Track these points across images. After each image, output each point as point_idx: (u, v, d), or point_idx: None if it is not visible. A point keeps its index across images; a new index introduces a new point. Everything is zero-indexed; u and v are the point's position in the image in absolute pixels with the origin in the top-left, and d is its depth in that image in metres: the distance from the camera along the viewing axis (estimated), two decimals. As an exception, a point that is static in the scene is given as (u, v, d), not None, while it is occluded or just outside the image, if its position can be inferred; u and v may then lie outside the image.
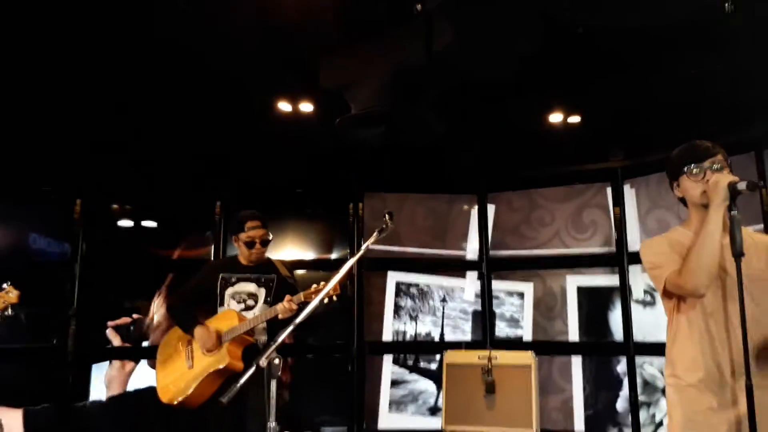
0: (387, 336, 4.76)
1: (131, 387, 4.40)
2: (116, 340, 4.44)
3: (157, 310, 4.54)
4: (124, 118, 4.08)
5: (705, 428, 2.05)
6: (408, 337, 4.77)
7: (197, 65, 3.42)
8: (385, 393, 4.66)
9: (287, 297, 3.19)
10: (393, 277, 4.82)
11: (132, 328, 4.49)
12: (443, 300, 4.83)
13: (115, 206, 4.88)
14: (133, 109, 3.97)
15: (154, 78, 3.58)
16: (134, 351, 4.51)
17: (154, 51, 3.28)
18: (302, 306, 3.10)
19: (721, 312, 2.08)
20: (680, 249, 2.15)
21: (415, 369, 4.72)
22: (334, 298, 2.97)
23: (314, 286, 3.17)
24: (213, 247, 4.70)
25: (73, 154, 4.44)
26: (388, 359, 4.72)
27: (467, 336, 4.75)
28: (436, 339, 4.75)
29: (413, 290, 4.83)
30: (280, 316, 3.18)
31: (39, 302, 4.21)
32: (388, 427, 4.61)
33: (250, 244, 3.46)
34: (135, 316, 4.52)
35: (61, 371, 4.28)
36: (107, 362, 4.47)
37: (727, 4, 2.34)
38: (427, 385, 4.67)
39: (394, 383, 4.69)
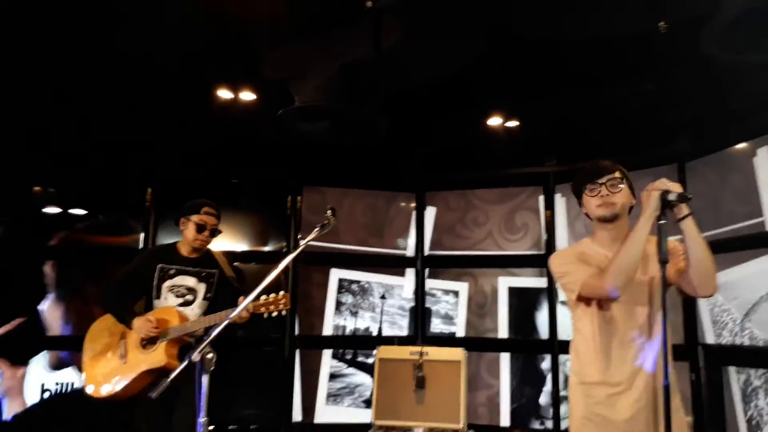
0: (327, 331, 4.77)
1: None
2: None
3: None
4: (53, 103, 3.88)
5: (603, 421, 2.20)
6: (348, 331, 4.81)
7: (133, 47, 3.28)
8: (323, 386, 4.69)
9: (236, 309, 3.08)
10: (335, 274, 4.83)
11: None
12: (382, 297, 4.88)
13: (36, 188, 4.63)
14: (65, 93, 3.78)
15: (87, 62, 3.40)
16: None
17: (86, 34, 3.11)
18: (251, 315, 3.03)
19: (624, 314, 2.22)
20: (587, 260, 2.30)
21: (353, 363, 4.76)
22: (284, 312, 2.95)
23: (263, 297, 3.02)
24: (143, 234, 4.55)
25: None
26: (327, 353, 4.74)
27: (404, 332, 4.84)
28: (375, 334, 4.81)
29: (354, 287, 4.86)
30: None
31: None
32: (324, 419, 4.64)
33: (200, 228, 3.30)
34: (18, 320, 4.27)
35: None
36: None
37: (660, 24, 2.47)
38: (363, 379, 4.72)
39: (333, 376, 4.73)
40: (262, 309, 3.03)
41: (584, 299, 2.27)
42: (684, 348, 3.79)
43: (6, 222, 4.39)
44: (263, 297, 3.02)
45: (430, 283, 4.91)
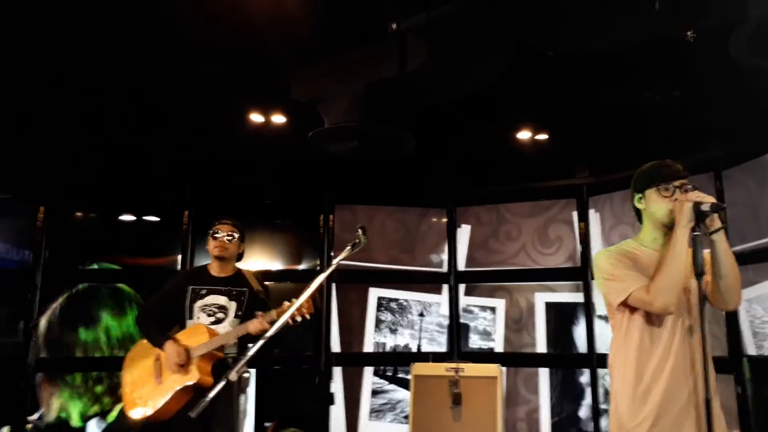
0: (368, 348, 4.83)
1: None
2: None
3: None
4: (90, 125, 4.02)
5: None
6: (388, 348, 4.86)
7: (170, 73, 3.40)
8: (366, 402, 4.74)
9: (259, 314, 3.14)
10: (374, 293, 4.89)
11: None
12: (421, 314, 4.92)
13: (78, 214, 4.80)
14: (100, 115, 3.92)
15: (123, 85, 3.54)
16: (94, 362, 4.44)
17: (123, 56, 3.24)
18: (273, 323, 3.04)
19: (670, 324, 2.16)
20: (638, 263, 2.22)
21: (393, 380, 4.81)
22: (308, 316, 2.96)
23: (286, 303, 3.10)
24: (180, 256, 4.65)
25: (37, 161, 4.35)
26: (369, 370, 4.80)
27: (443, 348, 4.84)
28: (414, 351, 4.85)
29: (393, 305, 4.91)
30: (252, 334, 3.15)
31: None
32: None
33: (215, 234, 3.42)
34: None
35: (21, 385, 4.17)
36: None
37: (689, 33, 2.45)
38: (404, 395, 4.75)
39: (375, 393, 4.79)
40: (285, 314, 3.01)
41: (628, 307, 2.21)
42: (728, 360, 3.68)
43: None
44: (285, 303, 3.06)
45: (467, 300, 4.91)
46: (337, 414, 4.67)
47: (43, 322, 4.43)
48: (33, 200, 4.45)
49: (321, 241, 4.81)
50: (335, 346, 4.74)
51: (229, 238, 3.43)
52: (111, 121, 4.01)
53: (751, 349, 3.65)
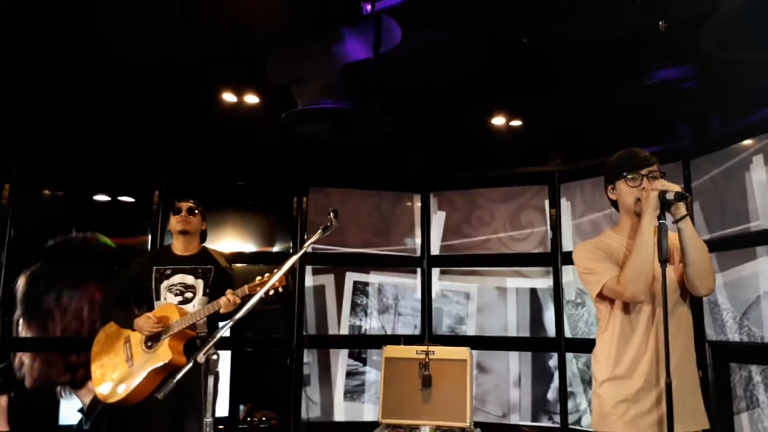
0: (344, 330, 4.86)
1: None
2: None
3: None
4: (60, 104, 3.93)
5: (627, 422, 2.15)
6: (363, 331, 4.90)
7: (140, 50, 3.32)
8: (341, 383, 4.80)
9: (229, 291, 3.13)
10: (351, 277, 4.91)
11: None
12: (396, 298, 4.96)
13: (46, 192, 4.69)
14: (70, 94, 3.83)
15: (94, 63, 3.45)
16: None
17: (92, 35, 3.16)
18: (245, 299, 3.03)
19: (648, 311, 2.18)
20: (614, 255, 2.25)
21: (368, 362, 4.89)
22: (280, 289, 2.94)
23: (258, 278, 3.10)
24: (150, 236, 4.60)
25: (4, 137, 4.24)
26: (344, 353, 4.86)
27: (418, 331, 4.90)
28: (389, 334, 4.91)
29: (368, 288, 4.94)
30: (222, 311, 3.13)
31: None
32: (342, 416, 4.77)
33: (176, 211, 3.41)
34: None
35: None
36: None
37: (660, 23, 2.47)
38: (378, 376, 4.78)
39: (349, 374, 4.84)
40: (258, 289, 2.97)
41: (606, 298, 2.25)
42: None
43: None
44: (258, 278, 3.07)
45: (442, 284, 4.94)
46: (311, 395, 4.70)
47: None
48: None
49: (294, 224, 4.80)
50: (311, 328, 4.77)
51: (190, 211, 3.41)
52: (82, 102, 3.91)
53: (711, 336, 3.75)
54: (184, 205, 3.43)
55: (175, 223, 3.42)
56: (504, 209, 4.90)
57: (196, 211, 3.45)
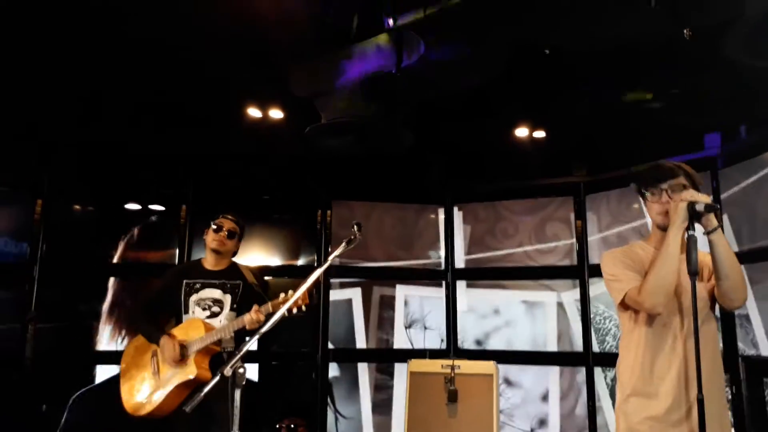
0: (372, 344, 4.87)
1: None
2: None
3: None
4: (89, 118, 4.02)
5: None
6: (389, 344, 4.89)
7: (168, 66, 3.39)
8: (368, 397, 4.79)
9: (255, 308, 3.13)
10: (378, 291, 4.92)
11: None
12: (422, 311, 4.96)
13: (76, 207, 4.79)
14: (98, 109, 3.92)
15: (123, 78, 3.53)
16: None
17: (125, 48, 3.23)
18: (269, 317, 3.03)
19: (675, 325, 2.13)
20: (640, 264, 2.20)
21: (395, 375, 4.86)
22: (303, 308, 2.94)
23: (282, 295, 3.10)
24: (177, 250, 4.65)
25: (35, 154, 4.35)
26: (372, 366, 4.85)
27: (444, 345, 4.87)
28: (419, 348, 4.88)
29: (396, 302, 4.93)
30: (247, 327, 3.15)
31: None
32: (370, 430, 4.74)
33: (217, 228, 3.40)
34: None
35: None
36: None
37: (685, 31, 2.45)
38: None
39: (377, 388, 4.83)
40: (281, 306, 2.98)
41: (630, 308, 2.20)
42: (723, 360, 3.68)
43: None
44: (282, 295, 3.06)
45: (468, 298, 4.90)
46: (340, 408, 4.71)
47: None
48: (31, 193, 4.44)
49: (318, 237, 4.82)
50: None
51: (230, 235, 3.43)
52: (111, 115, 4.00)
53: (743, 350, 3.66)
54: (227, 225, 3.42)
55: (211, 239, 3.41)
56: (529, 221, 4.86)
57: (236, 234, 3.46)
